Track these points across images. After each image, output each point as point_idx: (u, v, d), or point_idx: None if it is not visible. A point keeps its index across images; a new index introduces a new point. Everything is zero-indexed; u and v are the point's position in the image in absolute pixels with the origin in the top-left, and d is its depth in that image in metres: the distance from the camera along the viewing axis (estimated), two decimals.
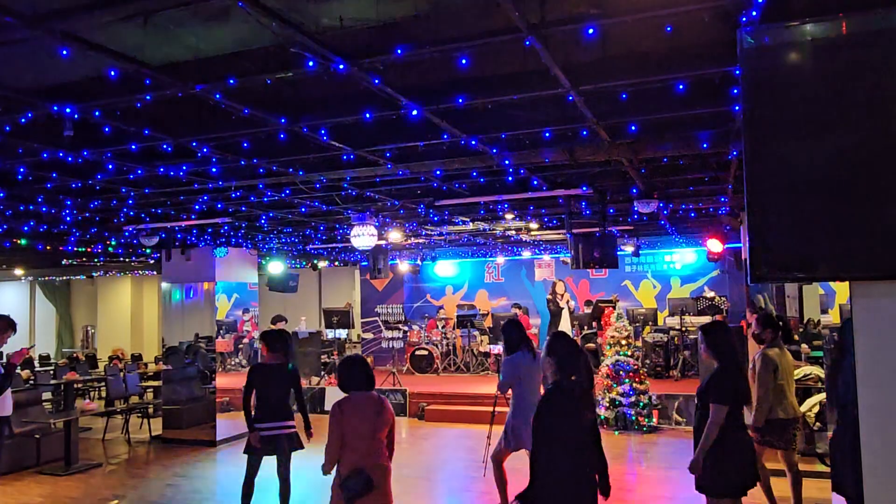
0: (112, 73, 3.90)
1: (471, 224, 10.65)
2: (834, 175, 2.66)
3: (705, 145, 5.61)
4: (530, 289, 17.22)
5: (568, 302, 12.25)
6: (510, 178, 7.16)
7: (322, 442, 4.32)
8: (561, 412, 3.66)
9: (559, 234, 12.28)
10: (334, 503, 4.20)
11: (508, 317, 6.65)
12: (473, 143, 5.47)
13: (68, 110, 4.46)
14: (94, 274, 19.42)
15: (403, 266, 17.28)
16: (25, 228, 9.66)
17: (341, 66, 3.79)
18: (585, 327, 13.64)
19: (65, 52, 3.52)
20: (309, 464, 4.32)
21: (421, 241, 13.43)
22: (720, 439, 4.43)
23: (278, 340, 6.16)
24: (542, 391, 4.93)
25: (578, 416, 3.69)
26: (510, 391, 5.95)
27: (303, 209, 8.96)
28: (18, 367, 10.23)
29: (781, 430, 5.93)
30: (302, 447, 6.04)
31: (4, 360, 6.76)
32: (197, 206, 8.57)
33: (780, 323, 6.24)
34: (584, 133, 5.33)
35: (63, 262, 15.21)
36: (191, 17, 3.51)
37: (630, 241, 13.65)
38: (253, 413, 5.93)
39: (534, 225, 10.96)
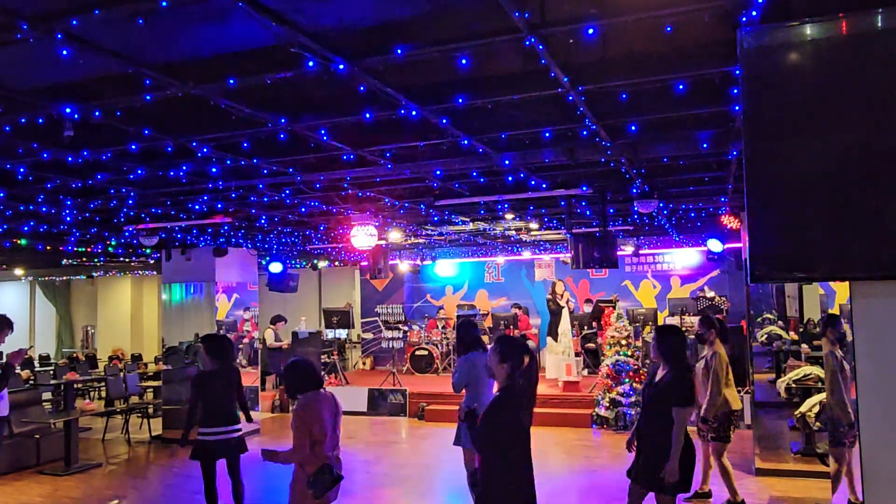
0: (112, 72, 3.90)
1: (471, 224, 10.64)
2: (834, 175, 2.66)
3: (705, 145, 5.61)
4: (530, 289, 17.21)
5: (568, 302, 12.24)
6: (510, 178, 7.16)
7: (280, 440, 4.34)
8: (511, 414, 3.77)
9: (559, 234, 12.28)
10: (298, 500, 4.27)
11: (467, 318, 6.75)
12: (473, 143, 5.47)
13: (68, 110, 4.46)
14: (94, 274, 19.41)
15: (403, 266, 17.27)
16: (25, 228, 9.66)
17: (341, 66, 3.79)
18: (585, 327, 13.64)
19: (65, 52, 3.52)
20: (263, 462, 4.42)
21: (421, 241, 13.43)
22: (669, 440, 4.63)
23: (218, 346, 6.30)
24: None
25: (523, 418, 3.79)
26: (464, 390, 6.04)
27: (303, 209, 8.96)
28: (18, 368, 10.22)
29: (729, 422, 6.44)
30: (247, 449, 6.26)
31: (4, 359, 6.75)
32: (197, 206, 8.57)
33: (718, 323, 6.86)
34: (584, 133, 5.33)
35: (63, 262, 15.21)
36: (191, 18, 3.51)
37: (630, 241, 13.64)
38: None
39: (534, 225, 10.96)
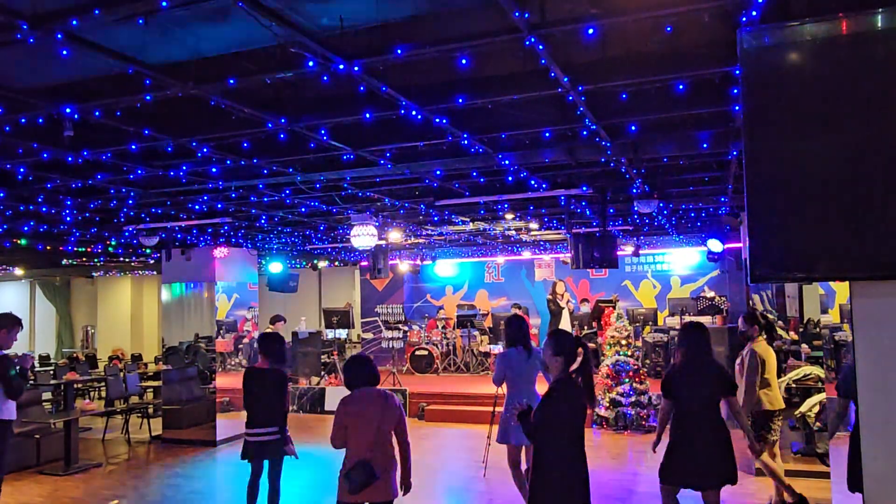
0: (112, 72, 3.90)
1: (471, 224, 10.65)
2: (834, 175, 2.66)
3: (705, 145, 5.61)
4: (530, 289, 17.21)
5: (568, 302, 12.25)
6: (510, 178, 7.16)
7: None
8: (566, 407, 3.80)
9: (559, 234, 12.28)
10: (340, 493, 4.31)
11: (511, 315, 6.66)
12: (473, 143, 5.47)
13: (68, 110, 4.46)
14: (94, 274, 19.41)
15: (403, 266, 17.27)
16: (25, 228, 9.66)
17: (341, 66, 3.79)
18: (585, 327, 13.64)
19: (65, 52, 3.53)
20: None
21: (421, 241, 13.44)
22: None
23: (273, 344, 6.02)
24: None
25: (576, 414, 3.81)
26: (504, 385, 5.98)
27: (303, 209, 8.96)
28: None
29: (766, 421, 6.24)
30: (282, 455, 5.92)
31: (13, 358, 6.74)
32: (197, 206, 8.57)
33: (765, 321, 6.56)
34: (584, 133, 5.33)
35: (63, 262, 15.21)
36: (191, 17, 3.51)
37: (630, 241, 13.64)
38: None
39: (534, 225, 10.96)
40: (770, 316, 8.25)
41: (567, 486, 3.71)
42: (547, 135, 5.51)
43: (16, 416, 6.55)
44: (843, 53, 2.68)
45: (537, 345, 6.35)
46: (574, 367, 3.86)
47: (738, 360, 6.47)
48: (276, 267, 13.73)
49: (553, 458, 3.73)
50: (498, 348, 13.54)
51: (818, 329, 9.57)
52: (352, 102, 4.68)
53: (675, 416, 4.81)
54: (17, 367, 6.40)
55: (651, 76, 4.20)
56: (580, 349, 3.88)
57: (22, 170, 6.13)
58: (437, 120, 4.89)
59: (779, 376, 8.86)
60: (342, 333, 16.48)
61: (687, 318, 12.96)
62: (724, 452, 4.77)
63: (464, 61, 3.78)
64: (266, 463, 5.89)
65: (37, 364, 16.51)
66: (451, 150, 5.92)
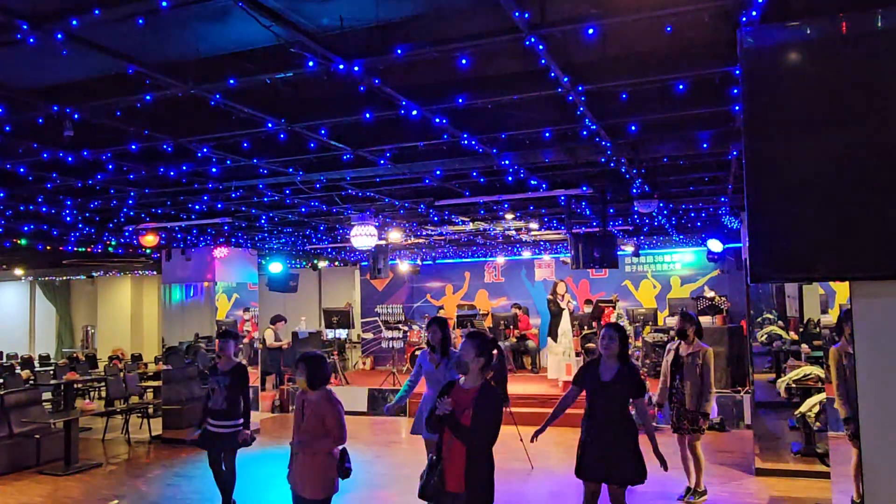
0: (113, 72, 3.90)
1: (471, 224, 10.64)
2: (834, 175, 2.66)
3: (705, 145, 5.61)
4: (530, 289, 17.20)
5: (568, 302, 12.23)
6: (510, 178, 7.16)
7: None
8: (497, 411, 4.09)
9: (559, 234, 12.28)
10: (328, 485, 4.53)
11: (432, 318, 6.97)
12: (473, 143, 5.47)
13: (68, 110, 4.46)
14: (94, 274, 19.40)
15: (403, 266, 17.27)
16: (25, 228, 9.66)
17: (341, 66, 3.79)
18: (585, 327, 13.64)
19: (65, 52, 3.52)
20: None
21: (421, 241, 13.43)
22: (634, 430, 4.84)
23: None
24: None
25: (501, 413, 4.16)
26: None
27: (303, 209, 8.96)
28: (18, 368, 10.23)
29: (706, 415, 6.70)
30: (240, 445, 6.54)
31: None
32: (197, 206, 8.57)
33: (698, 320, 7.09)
34: (584, 133, 5.33)
35: (63, 262, 15.20)
36: (191, 17, 3.51)
37: (630, 241, 13.63)
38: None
39: (534, 225, 10.95)
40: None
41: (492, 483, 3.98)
42: (547, 135, 5.51)
43: None
44: (843, 53, 2.68)
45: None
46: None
47: (668, 358, 7.02)
48: (276, 267, 13.73)
49: (486, 457, 3.94)
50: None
51: (818, 329, 9.57)
52: (352, 102, 4.68)
53: (585, 412, 4.98)
54: None
55: (651, 76, 4.19)
56: (495, 351, 4.11)
57: (22, 170, 6.13)
58: (437, 120, 4.89)
59: (779, 376, 8.87)
60: (342, 333, 16.48)
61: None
62: (629, 451, 4.80)
63: (464, 61, 3.77)
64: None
65: (37, 364, 16.51)
66: (451, 150, 5.92)
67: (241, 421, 6.49)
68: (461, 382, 4.10)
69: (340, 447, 4.58)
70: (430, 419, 4.05)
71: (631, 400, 4.94)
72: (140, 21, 3.33)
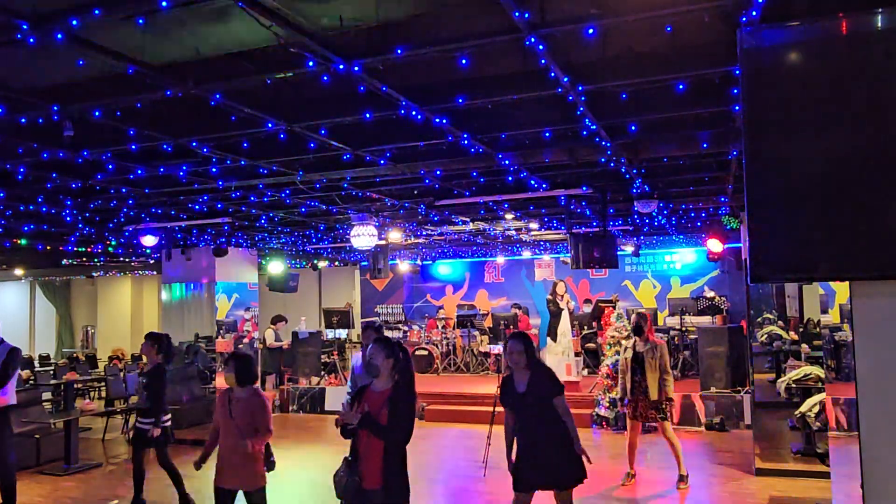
0: (112, 73, 3.90)
1: (471, 224, 10.64)
2: (834, 175, 2.66)
3: (705, 145, 5.61)
4: (530, 289, 17.21)
5: (568, 303, 12.23)
6: (510, 178, 7.16)
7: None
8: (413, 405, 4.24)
9: (559, 234, 12.28)
10: (259, 478, 4.77)
11: (366, 322, 7.03)
12: (473, 143, 5.47)
13: (68, 110, 4.46)
14: (94, 274, 19.40)
15: (403, 266, 17.27)
16: (25, 228, 9.66)
17: (341, 66, 3.79)
18: (585, 327, 13.63)
19: (65, 53, 3.53)
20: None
21: (421, 241, 13.43)
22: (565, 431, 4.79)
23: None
24: None
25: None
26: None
27: (303, 209, 8.96)
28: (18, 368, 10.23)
29: (668, 402, 7.06)
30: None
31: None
32: (197, 207, 8.57)
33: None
34: (584, 133, 5.33)
35: (63, 262, 15.20)
36: (191, 17, 3.51)
37: (630, 241, 13.64)
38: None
39: (534, 225, 10.96)
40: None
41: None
42: (547, 135, 5.51)
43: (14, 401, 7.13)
44: (843, 53, 2.68)
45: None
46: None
47: (627, 355, 7.25)
48: (276, 267, 13.73)
49: (400, 457, 4.07)
50: (498, 348, 13.54)
51: (818, 329, 9.57)
52: (352, 102, 4.68)
53: (517, 424, 4.85)
54: None
55: (651, 76, 4.20)
56: (401, 353, 4.21)
57: (22, 170, 6.13)
58: (437, 120, 4.89)
59: (779, 376, 8.88)
60: (342, 333, 16.47)
61: (687, 319, 12.97)
62: (564, 454, 4.76)
63: (464, 61, 3.77)
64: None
65: (37, 364, 16.51)
66: (451, 150, 5.92)
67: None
68: (372, 386, 4.20)
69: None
70: (343, 431, 4.16)
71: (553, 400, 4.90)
72: (140, 21, 3.33)
